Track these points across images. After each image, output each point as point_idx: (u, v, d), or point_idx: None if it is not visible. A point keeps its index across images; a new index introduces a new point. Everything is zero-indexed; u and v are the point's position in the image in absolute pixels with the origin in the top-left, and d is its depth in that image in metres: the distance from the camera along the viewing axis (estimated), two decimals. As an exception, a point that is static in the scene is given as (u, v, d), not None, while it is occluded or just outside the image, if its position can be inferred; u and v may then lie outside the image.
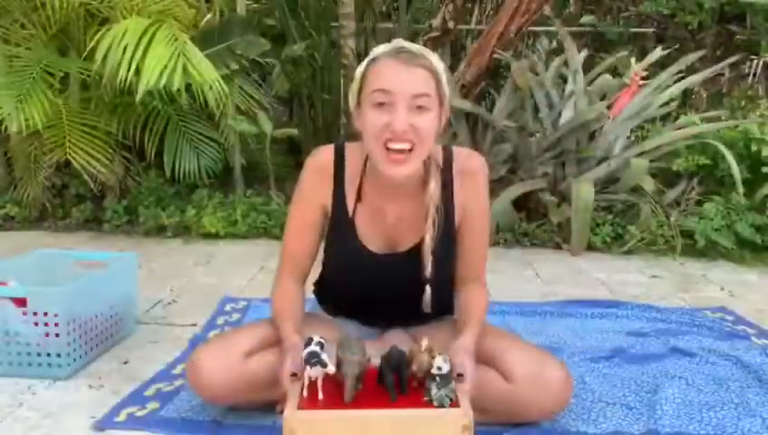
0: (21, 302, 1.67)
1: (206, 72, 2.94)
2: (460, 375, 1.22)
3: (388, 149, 1.29)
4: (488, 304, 1.49)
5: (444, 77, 1.33)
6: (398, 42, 1.34)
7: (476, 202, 1.46)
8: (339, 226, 1.45)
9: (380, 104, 1.28)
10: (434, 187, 1.38)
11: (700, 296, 2.56)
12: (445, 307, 1.54)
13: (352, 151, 1.45)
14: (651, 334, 2.05)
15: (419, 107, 1.28)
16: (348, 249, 1.46)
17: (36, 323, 1.67)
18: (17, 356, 1.69)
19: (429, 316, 1.48)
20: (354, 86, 1.36)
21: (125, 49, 2.83)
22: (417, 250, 1.41)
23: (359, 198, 1.44)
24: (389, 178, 1.34)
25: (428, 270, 1.39)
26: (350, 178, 1.44)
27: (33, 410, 1.52)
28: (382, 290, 1.45)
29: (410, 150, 1.29)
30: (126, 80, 2.86)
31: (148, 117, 3.59)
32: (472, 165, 1.45)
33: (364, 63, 1.34)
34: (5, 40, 3.34)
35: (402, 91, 1.26)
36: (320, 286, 1.65)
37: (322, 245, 1.53)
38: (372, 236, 1.45)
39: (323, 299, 1.65)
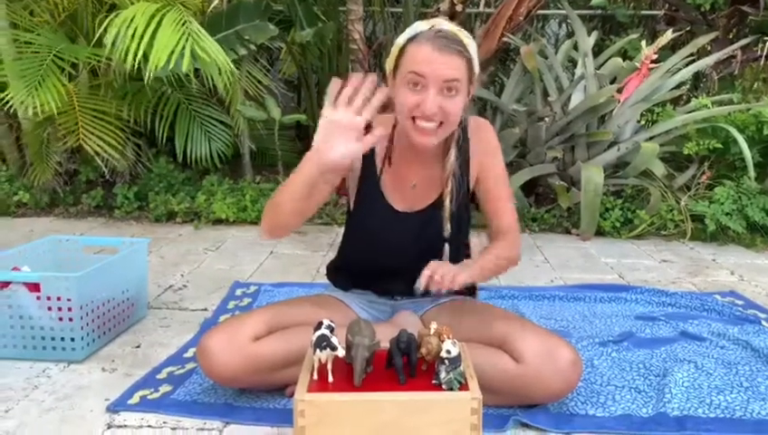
0: (34, 287, 1.69)
1: (215, 55, 2.93)
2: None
3: (415, 123, 1.38)
4: (515, 253, 1.55)
5: (475, 57, 1.41)
6: (438, 22, 1.40)
7: (491, 156, 1.56)
8: (367, 186, 1.55)
9: (414, 84, 1.36)
10: (454, 156, 1.49)
11: (710, 281, 2.55)
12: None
13: (380, 121, 1.51)
14: (661, 319, 2.05)
15: (449, 89, 1.36)
16: (375, 206, 1.55)
17: (50, 308, 1.69)
18: (32, 340, 1.71)
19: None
20: (392, 54, 1.44)
21: (133, 34, 2.83)
22: (432, 208, 1.53)
23: (388, 163, 1.54)
24: (417, 145, 1.42)
25: (448, 230, 1.50)
26: (379, 145, 1.53)
27: (49, 392, 1.55)
28: (399, 247, 1.55)
29: (439, 125, 1.39)
30: (135, 65, 2.87)
31: (158, 102, 3.60)
32: (482, 125, 1.57)
33: (405, 38, 1.40)
34: (15, 26, 3.35)
35: (435, 76, 1.34)
36: (337, 261, 1.72)
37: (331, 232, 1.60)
38: (395, 196, 1.55)
39: (338, 275, 1.71)
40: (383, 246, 1.57)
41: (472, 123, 1.56)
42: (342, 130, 1.26)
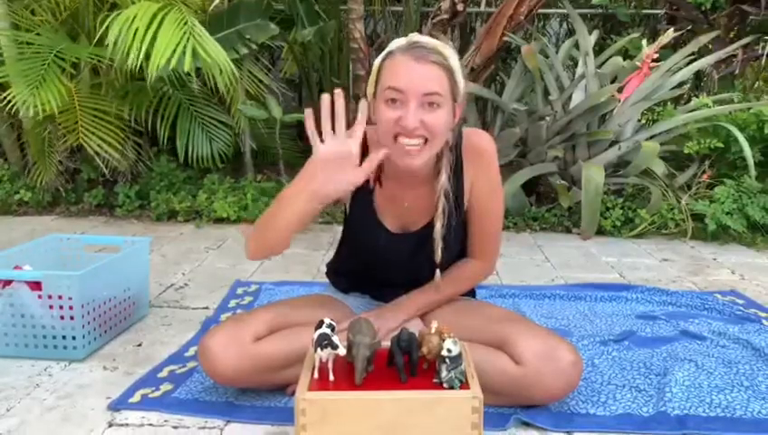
0: (36, 286, 1.70)
1: (217, 55, 2.93)
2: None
3: (398, 142, 1.31)
4: (478, 277, 1.60)
5: (459, 73, 1.34)
6: (415, 36, 1.34)
7: (485, 181, 1.49)
8: (360, 203, 1.51)
9: (393, 101, 1.29)
10: (445, 178, 1.42)
11: (711, 280, 2.55)
12: None
13: (374, 134, 1.46)
14: (661, 318, 2.05)
15: (431, 104, 1.29)
16: (367, 226, 1.52)
17: (51, 307, 1.70)
18: (33, 339, 1.71)
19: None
20: (371, 78, 1.38)
21: (135, 33, 2.83)
22: (426, 230, 1.48)
23: (378, 184, 1.49)
24: (403, 167, 1.35)
25: (439, 255, 1.46)
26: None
27: (50, 391, 1.55)
28: (394, 265, 1.53)
29: (424, 143, 1.31)
30: (137, 64, 2.87)
31: (160, 102, 3.60)
32: (479, 144, 1.47)
33: (381, 57, 1.35)
34: (16, 26, 3.36)
35: (413, 89, 1.27)
36: (335, 264, 1.72)
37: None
38: (389, 217, 1.52)
39: (337, 277, 1.71)
40: (376, 264, 1.56)
41: (467, 140, 1.46)
42: (338, 164, 1.21)
